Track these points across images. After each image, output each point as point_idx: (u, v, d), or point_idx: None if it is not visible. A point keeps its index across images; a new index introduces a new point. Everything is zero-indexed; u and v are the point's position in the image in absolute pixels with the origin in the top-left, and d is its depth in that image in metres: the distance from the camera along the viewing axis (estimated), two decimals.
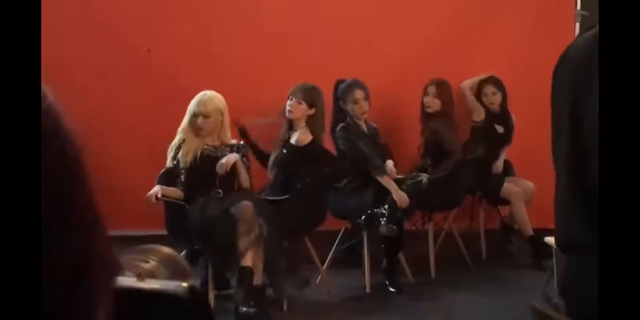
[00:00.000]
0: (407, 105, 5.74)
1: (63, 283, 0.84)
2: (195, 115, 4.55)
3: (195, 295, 1.48)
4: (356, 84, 5.19)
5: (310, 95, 4.88)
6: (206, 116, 4.55)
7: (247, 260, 4.27)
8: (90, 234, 0.89)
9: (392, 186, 5.01)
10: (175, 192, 4.57)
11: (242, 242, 4.27)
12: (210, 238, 4.37)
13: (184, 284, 1.47)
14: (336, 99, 5.22)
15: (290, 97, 4.90)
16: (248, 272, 4.26)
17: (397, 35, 5.87)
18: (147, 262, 1.69)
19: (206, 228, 4.34)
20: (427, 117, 5.60)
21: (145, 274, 1.58)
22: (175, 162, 4.60)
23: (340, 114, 5.23)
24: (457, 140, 5.61)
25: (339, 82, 5.25)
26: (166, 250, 1.79)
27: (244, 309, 4.22)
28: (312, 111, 4.87)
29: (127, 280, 1.44)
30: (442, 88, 5.55)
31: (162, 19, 5.68)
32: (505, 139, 5.82)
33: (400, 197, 4.97)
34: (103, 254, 0.91)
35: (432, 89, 5.56)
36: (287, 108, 4.89)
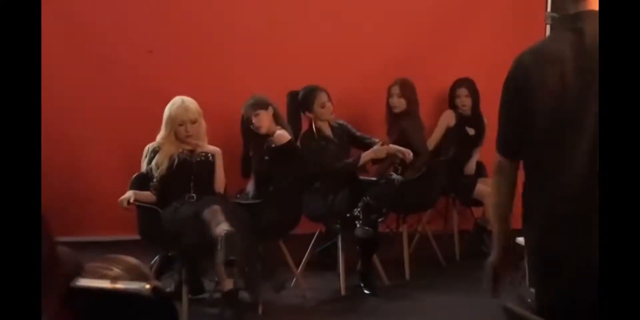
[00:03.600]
0: (378, 110, 5.75)
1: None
2: (181, 124, 4.52)
3: (159, 295, 1.49)
4: (318, 88, 5.24)
5: (258, 102, 4.87)
6: (193, 122, 4.54)
7: (227, 284, 4.27)
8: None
9: (390, 148, 5.15)
10: (148, 196, 4.53)
11: (219, 267, 4.24)
12: (181, 242, 4.34)
13: (147, 285, 1.49)
14: (293, 109, 5.22)
15: (248, 116, 4.87)
16: (233, 295, 4.28)
17: (370, 39, 5.91)
18: (111, 269, 1.70)
19: (177, 232, 4.32)
20: (394, 117, 5.62)
21: (110, 280, 1.60)
22: (149, 167, 4.57)
23: (297, 123, 5.26)
24: (424, 140, 5.64)
25: (291, 94, 5.26)
26: (131, 259, 1.81)
27: None
28: (270, 111, 4.88)
29: (93, 282, 1.47)
30: (406, 87, 5.58)
31: (137, 24, 5.65)
32: (477, 141, 5.87)
33: (398, 149, 5.10)
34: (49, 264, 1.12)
35: (395, 89, 5.59)
36: (256, 126, 4.86)
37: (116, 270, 1.69)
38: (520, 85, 2.26)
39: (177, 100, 4.58)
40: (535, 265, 2.35)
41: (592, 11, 2.22)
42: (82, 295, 1.36)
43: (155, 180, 4.55)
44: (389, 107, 5.63)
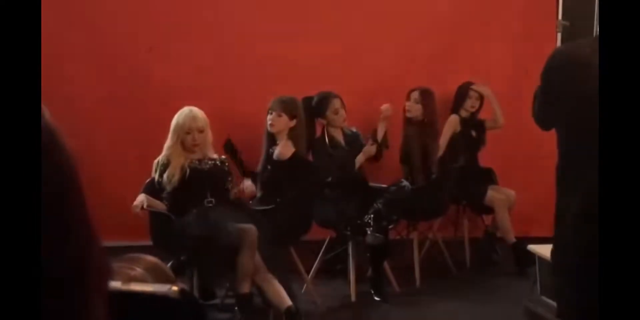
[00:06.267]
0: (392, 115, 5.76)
1: (62, 289, 0.87)
2: (188, 131, 4.56)
3: (187, 297, 1.50)
4: (332, 95, 5.28)
5: (290, 107, 4.92)
6: (200, 131, 4.57)
7: (245, 287, 4.29)
8: (85, 244, 0.93)
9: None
10: (160, 205, 4.57)
11: (243, 267, 4.28)
12: (206, 249, 4.33)
13: (175, 287, 1.50)
14: (307, 115, 5.25)
15: (270, 111, 4.94)
16: (248, 299, 4.30)
17: (381, 45, 5.91)
18: (133, 269, 1.71)
19: (204, 238, 4.30)
20: (405, 122, 5.64)
21: (133, 281, 1.61)
22: (160, 179, 4.59)
23: (311, 128, 5.29)
24: (434, 150, 5.62)
25: (305, 99, 5.28)
26: (151, 258, 1.82)
27: None
28: (293, 123, 4.91)
29: (119, 285, 1.47)
30: (426, 96, 5.58)
31: (148, 29, 5.67)
32: (481, 142, 5.89)
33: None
34: (97, 262, 0.95)
35: (415, 95, 5.60)
36: (269, 122, 4.93)
37: (138, 270, 1.70)
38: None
39: (185, 109, 4.62)
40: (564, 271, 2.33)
41: None
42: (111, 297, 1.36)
43: (167, 192, 4.56)
44: (405, 111, 5.65)
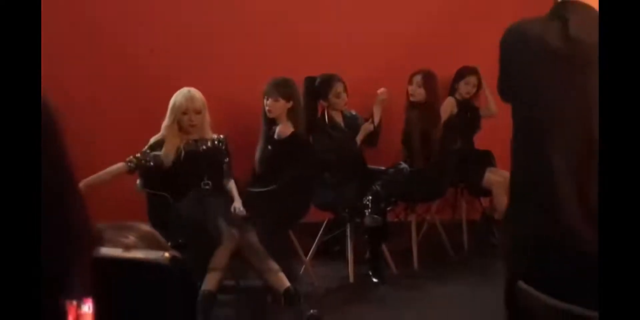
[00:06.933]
0: (392, 98, 5.75)
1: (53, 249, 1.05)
2: (185, 112, 4.54)
3: (178, 264, 1.52)
4: (335, 78, 5.29)
5: (285, 90, 4.92)
6: (198, 112, 4.55)
7: (211, 283, 4.20)
8: (73, 212, 1.11)
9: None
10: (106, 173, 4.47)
11: (214, 260, 4.25)
12: (200, 236, 4.32)
13: (166, 254, 1.52)
14: (309, 95, 5.24)
15: (266, 96, 4.93)
16: (210, 297, 4.18)
17: (381, 27, 5.89)
18: (126, 237, 1.73)
19: (196, 226, 4.31)
20: (409, 105, 5.64)
21: (126, 248, 1.62)
22: (152, 157, 4.55)
23: (312, 108, 5.29)
24: (434, 133, 5.61)
25: (308, 79, 5.28)
26: (145, 227, 1.84)
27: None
28: (290, 104, 4.91)
29: (112, 251, 1.50)
30: (429, 78, 5.58)
31: (142, 15, 5.65)
32: (476, 126, 5.89)
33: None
34: (83, 225, 1.15)
35: (417, 78, 5.59)
36: (266, 108, 4.92)
37: (132, 238, 1.72)
38: (505, 64, 2.33)
39: (183, 89, 4.59)
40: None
41: (579, 2, 2.25)
42: (102, 264, 1.39)
43: (162, 172, 4.53)
44: (408, 95, 5.65)
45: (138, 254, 1.57)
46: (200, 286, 4.17)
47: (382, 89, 5.34)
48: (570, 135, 2.15)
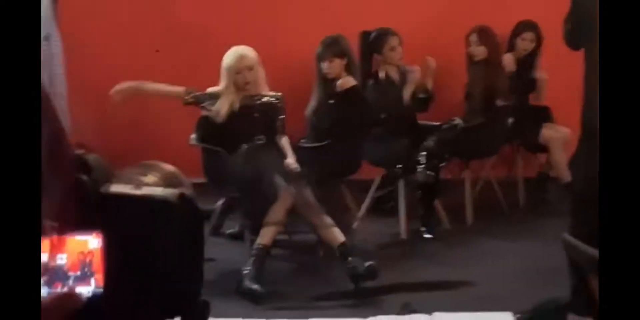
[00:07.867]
0: (444, 52, 5.67)
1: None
2: (238, 71, 4.53)
3: (185, 201, 1.55)
4: (389, 32, 5.25)
5: (336, 48, 4.91)
6: (250, 69, 4.54)
7: (266, 238, 4.22)
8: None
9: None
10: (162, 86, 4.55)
11: (270, 216, 4.25)
12: (250, 191, 4.36)
13: (175, 191, 1.55)
14: (365, 49, 5.20)
15: (320, 58, 4.90)
16: (264, 251, 4.21)
17: None
18: (146, 176, 1.75)
19: (249, 181, 4.33)
20: (474, 66, 5.54)
21: (137, 186, 1.65)
22: (207, 109, 4.57)
23: (367, 63, 5.26)
24: (499, 89, 5.51)
25: (364, 34, 5.24)
26: (168, 167, 1.86)
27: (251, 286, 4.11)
28: (345, 60, 4.89)
29: (122, 188, 1.54)
30: (485, 34, 5.48)
31: None
32: (534, 85, 5.76)
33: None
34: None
35: (474, 37, 5.49)
36: (324, 71, 4.89)
37: (151, 177, 1.74)
38: None
39: (232, 50, 4.57)
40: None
41: None
42: (111, 200, 1.42)
43: (217, 126, 4.55)
44: (469, 56, 5.55)
45: (147, 191, 1.59)
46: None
47: (429, 58, 5.28)
48: None
